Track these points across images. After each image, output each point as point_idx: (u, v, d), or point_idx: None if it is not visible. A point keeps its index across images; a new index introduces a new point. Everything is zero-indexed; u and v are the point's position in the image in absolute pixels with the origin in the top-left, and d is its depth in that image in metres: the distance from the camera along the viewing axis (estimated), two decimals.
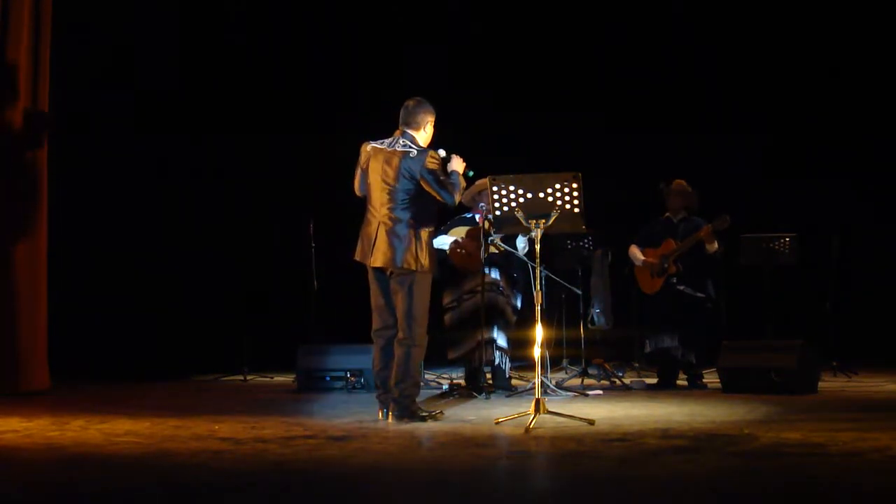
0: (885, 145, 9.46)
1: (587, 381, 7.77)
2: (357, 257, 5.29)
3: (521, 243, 6.86)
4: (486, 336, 6.68)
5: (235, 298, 8.93)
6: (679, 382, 7.37)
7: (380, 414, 5.23)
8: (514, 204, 5.00)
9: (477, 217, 6.82)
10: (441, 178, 5.13)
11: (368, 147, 5.32)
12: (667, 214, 7.53)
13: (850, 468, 3.60)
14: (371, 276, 5.27)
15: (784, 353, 6.55)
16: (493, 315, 6.78)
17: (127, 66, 9.04)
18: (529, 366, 6.14)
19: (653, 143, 9.75)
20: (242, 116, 9.70)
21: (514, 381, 7.00)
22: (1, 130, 7.00)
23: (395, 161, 5.17)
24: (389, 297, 5.22)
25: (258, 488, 3.40)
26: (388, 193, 5.17)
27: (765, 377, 6.49)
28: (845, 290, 8.45)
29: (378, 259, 5.13)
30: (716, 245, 7.18)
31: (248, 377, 8.42)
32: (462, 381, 7.04)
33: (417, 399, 5.26)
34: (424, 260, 5.12)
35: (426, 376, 7.67)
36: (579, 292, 8.17)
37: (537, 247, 5.11)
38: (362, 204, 5.40)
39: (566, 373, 8.39)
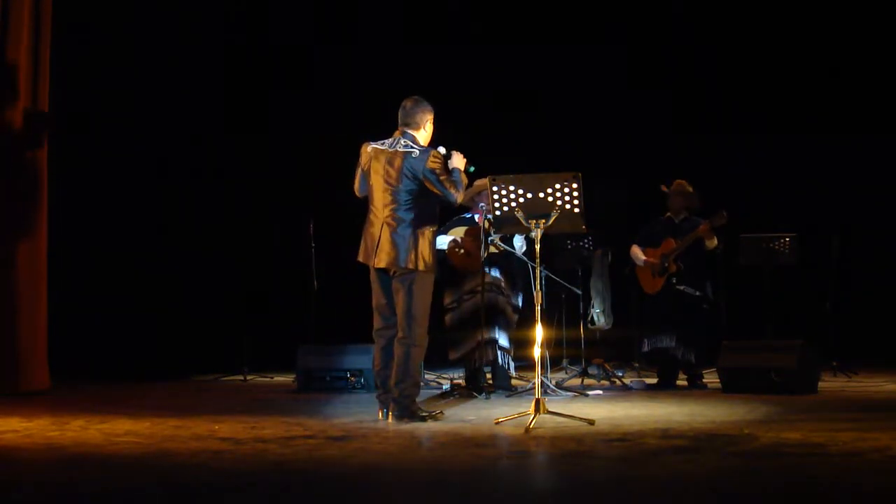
0: (885, 145, 9.46)
1: (587, 381, 7.77)
2: (360, 259, 5.29)
3: (519, 242, 6.86)
4: (486, 336, 6.68)
5: (235, 298, 8.93)
6: (679, 382, 7.37)
7: (380, 414, 5.23)
8: (514, 204, 5.00)
9: (476, 217, 6.82)
10: (443, 176, 5.14)
11: (369, 148, 5.32)
12: (668, 214, 7.53)
13: (850, 468, 3.60)
14: (373, 276, 5.27)
15: (784, 353, 6.55)
16: (493, 315, 6.78)
17: (127, 65, 9.04)
18: (529, 366, 6.14)
19: (653, 144, 9.76)
20: (242, 116, 9.69)
21: (514, 381, 7.00)
22: (1, 130, 7.00)
23: (398, 161, 5.17)
24: (391, 296, 5.22)
25: (258, 488, 3.40)
26: (391, 194, 5.17)
27: (765, 377, 6.49)
28: (845, 290, 8.45)
29: (382, 260, 5.13)
30: (715, 241, 7.19)
31: (248, 377, 8.42)
32: (462, 381, 7.04)
33: (417, 399, 5.26)
34: (427, 259, 5.13)
35: (426, 376, 7.67)
36: (579, 292, 8.17)
37: (537, 247, 5.11)
38: (363, 204, 5.40)
39: (566, 373, 8.39)
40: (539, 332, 5.08)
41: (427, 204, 5.21)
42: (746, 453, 3.97)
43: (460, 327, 6.87)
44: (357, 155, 5.38)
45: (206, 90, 9.50)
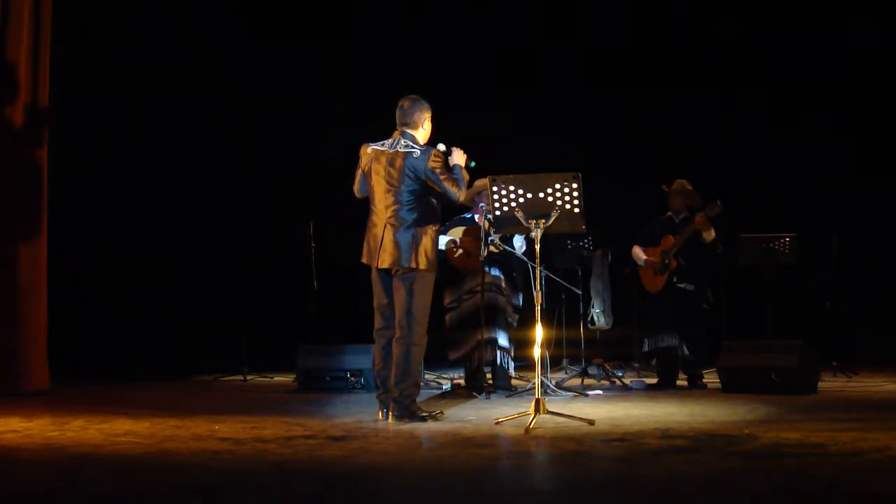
0: (886, 144, 9.47)
1: (587, 381, 7.77)
2: (364, 260, 5.29)
3: (519, 242, 6.86)
4: (486, 336, 6.68)
5: (235, 298, 8.93)
6: (679, 382, 7.37)
7: (380, 414, 5.23)
8: (514, 204, 5.00)
9: (476, 217, 6.82)
10: (444, 175, 5.14)
11: (369, 149, 5.31)
12: (668, 214, 7.53)
13: (850, 468, 3.60)
14: (374, 276, 5.27)
15: (784, 353, 6.55)
16: (493, 315, 6.78)
17: (127, 65, 9.04)
18: (529, 366, 6.14)
19: (653, 144, 9.77)
20: (243, 116, 9.69)
21: (514, 381, 7.00)
22: (1, 130, 7.00)
23: (399, 162, 5.17)
24: (392, 296, 5.22)
25: (258, 488, 3.40)
26: (394, 195, 5.17)
27: (765, 377, 6.49)
28: (845, 290, 8.45)
29: (385, 260, 5.14)
30: (713, 233, 7.18)
31: (248, 377, 8.41)
32: (462, 381, 7.04)
33: (417, 399, 5.26)
34: (430, 258, 5.14)
35: (426, 376, 7.67)
36: (579, 292, 8.17)
37: (537, 247, 5.11)
38: (362, 204, 5.40)
39: (566, 373, 8.39)
40: (539, 332, 5.08)
41: (429, 203, 5.22)
42: (746, 453, 3.97)
43: (460, 327, 6.87)
44: (356, 156, 5.38)
45: (206, 90, 9.50)
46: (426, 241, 5.15)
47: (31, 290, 7.07)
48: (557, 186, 4.92)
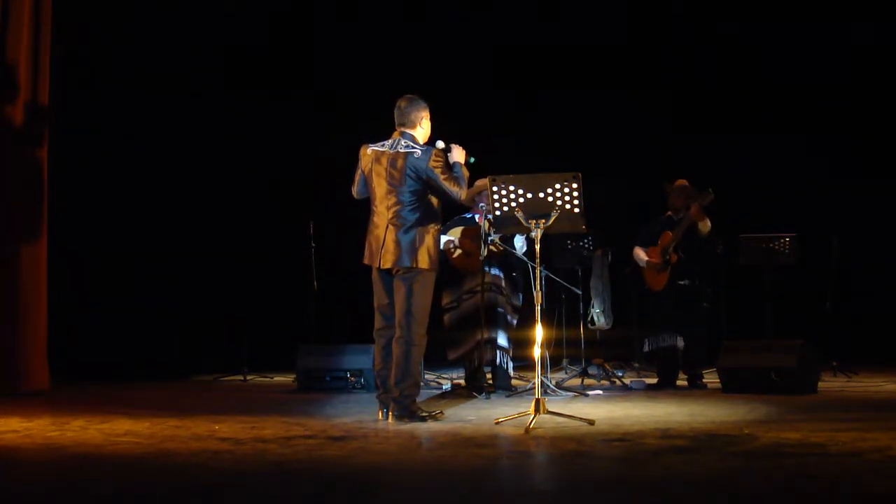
0: (885, 144, 9.47)
1: (587, 381, 7.77)
2: (366, 261, 5.29)
3: (519, 242, 6.86)
4: (486, 336, 6.67)
5: (235, 298, 8.93)
6: (679, 382, 7.36)
7: (380, 414, 5.23)
8: (514, 204, 5.00)
9: (477, 217, 6.82)
10: (445, 175, 5.14)
11: (368, 150, 5.31)
12: (668, 213, 7.53)
13: (850, 468, 3.60)
14: (375, 276, 5.27)
15: (784, 353, 6.55)
16: (493, 314, 6.78)
17: (127, 64, 9.04)
18: (529, 366, 6.14)
19: (653, 144, 9.76)
20: (243, 116, 9.69)
21: (514, 381, 7.00)
22: (1, 130, 7.00)
23: (400, 162, 5.17)
24: (393, 296, 5.22)
25: (258, 488, 3.40)
26: (396, 195, 5.17)
27: (765, 377, 6.49)
28: (845, 290, 8.45)
29: (388, 261, 5.14)
30: (708, 223, 7.17)
31: (248, 377, 8.41)
32: (462, 381, 7.04)
33: (417, 399, 5.26)
34: (433, 257, 5.15)
35: (426, 376, 7.67)
36: (579, 292, 8.17)
37: (537, 247, 5.11)
38: (363, 204, 5.40)
39: (566, 373, 8.39)
40: (539, 332, 5.08)
41: (430, 203, 5.23)
42: (746, 453, 3.97)
43: (459, 327, 6.87)
44: (356, 156, 5.38)
45: (206, 90, 9.50)
46: (429, 241, 5.15)
47: (31, 290, 7.07)
48: (557, 186, 4.92)
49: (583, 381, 7.75)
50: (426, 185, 5.16)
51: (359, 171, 5.36)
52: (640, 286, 7.60)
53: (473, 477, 3.56)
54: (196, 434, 4.62)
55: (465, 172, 5.30)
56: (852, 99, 9.54)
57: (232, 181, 9.60)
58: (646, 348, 7.50)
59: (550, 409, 4.89)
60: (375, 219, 5.25)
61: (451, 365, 7.33)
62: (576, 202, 4.93)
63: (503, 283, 6.93)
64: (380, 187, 5.23)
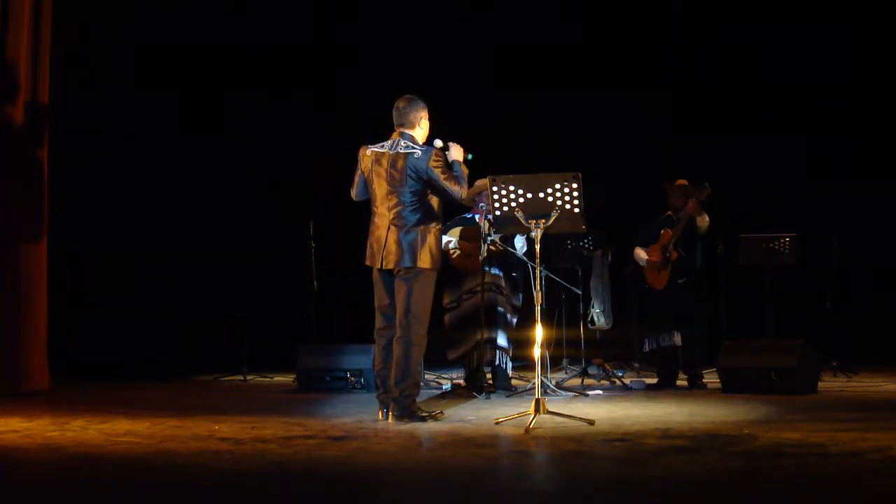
0: (885, 144, 9.47)
1: (587, 381, 7.77)
2: (368, 263, 5.29)
3: (520, 242, 6.86)
4: (485, 336, 6.67)
5: (235, 298, 8.93)
6: (679, 382, 7.37)
7: (380, 414, 5.23)
8: (514, 204, 5.00)
9: (477, 217, 6.82)
10: (445, 175, 5.14)
11: (368, 151, 5.31)
12: (668, 213, 7.53)
13: (850, 468, 3.60)
14: (376, 276, 5.27)
15: (784, 353, 6.55)
16: (493, 315, 6.78)
17: (127, 65, 9.04)
18: (529, 366, 6.14)
19: (653, 144, 9.76)
20: (243, 116, 9.70)
21: (514, 381, 7.00)
22: (1, 130, 7.00)
23: (401, 163, 5.17)
24: (394, 296, 5.22)
25: (258, 488, 3.40)
26: (397, 196, 5.17)
27: (765, 377, 6.49)
28: (845, 290, 8.45)
29: (390, 261, 5.14)
30: (706, 218, 7.17)
31: (248, 377, 8.41)
32: (462, 381, 7.04)
33: (417, 399, 5.26)
34: (434, 256, 5.16)
35: (426, 376, 7.67)
36: (579, 292, 8.17)
37: (537, 247, 5.11)
38: (363, 204, 5.40)
39: (566, 373, 8.39)
40: (539, 332, 5.08)
41: (431, 203, 5.23)
42: (746, 453, 3.97)
43: (459, 327, 6.87)
44: (356, 156, 5.38)
45: (205, 90, 9.50)
46: (430, 240, 5.16)
47: (31, 290, 7.07)
48: (557, 186, 4.92)
49: (583, 381, 7.75)
50: (427, 185, 5.16)
51: (358, 173, 5.36)
52: (640, 286, 7.60)
53: (473, 477, 3.56)
54: (196, 434, 4.62)
55: (465, 170, 5.30)
56: (852, 99, 9.54)
57: (232, 181, 9.60)
58: (646, 348, 7.50)
59: (550, 409, 4.89)
60: (376, 220, 5.25)
61: (451, 365, 7.33)
62: (576, 202, 4.93)
63: (503, 283, 6.93)
64: (380, 188, 5.23)
